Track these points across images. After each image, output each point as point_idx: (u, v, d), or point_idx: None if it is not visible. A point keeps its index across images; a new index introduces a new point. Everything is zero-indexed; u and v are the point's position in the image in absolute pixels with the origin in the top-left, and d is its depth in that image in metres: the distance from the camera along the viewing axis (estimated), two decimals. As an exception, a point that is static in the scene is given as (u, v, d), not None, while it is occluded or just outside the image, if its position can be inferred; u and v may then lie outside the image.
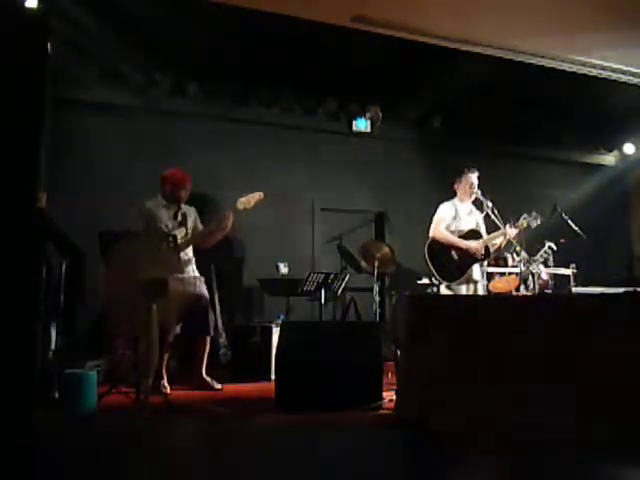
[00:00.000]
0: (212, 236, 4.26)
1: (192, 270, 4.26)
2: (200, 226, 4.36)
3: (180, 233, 4.14)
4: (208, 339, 4.34)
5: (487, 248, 4.46)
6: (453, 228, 4.56)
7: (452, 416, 2.73)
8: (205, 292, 4.31)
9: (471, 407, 2.73)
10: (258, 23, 4.49)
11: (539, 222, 4.49)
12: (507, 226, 4.40)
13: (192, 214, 4.36)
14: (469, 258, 4.44)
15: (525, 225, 4.43)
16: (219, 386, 4.30)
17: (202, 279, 4.34)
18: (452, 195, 4.72)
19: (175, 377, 4.35)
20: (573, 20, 4.06)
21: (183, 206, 4.32)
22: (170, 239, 3.82)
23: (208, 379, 4.31)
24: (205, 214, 4.50)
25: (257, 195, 4.24)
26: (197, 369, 4.32)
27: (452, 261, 4.42)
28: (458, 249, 4.44)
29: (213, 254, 4.48)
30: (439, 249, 4.43)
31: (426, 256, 4.38)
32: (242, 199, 4.20)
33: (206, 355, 4.35)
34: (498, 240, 4.50)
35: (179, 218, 4.21)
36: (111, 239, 4.04)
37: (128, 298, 3.31)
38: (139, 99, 5.47)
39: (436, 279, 4.39)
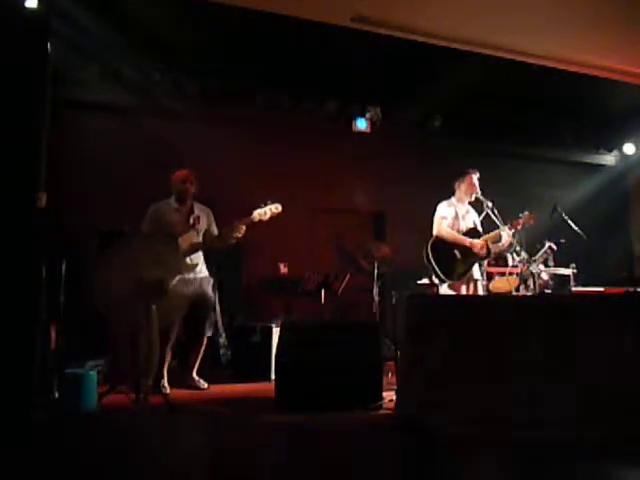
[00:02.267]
0: (222, 242, 4.30)
1: (200, 270, 4.30)
2: (214, 228, 4.40)
3: (192, 236, 4.20)
4: (205, 339, 4.36)
5: (488, 247, 4.46)
6: (454, 227, 4.55)
7: (452, 416, 2.73)
8: (210, 292, 4.35)
9: (471, 407, 2.73)
10: (258, 23, 4.49)
11: (532, 223, 4.49)
12: (507, 227, 4.40)
13: (205, 216, 4.39)
14: (471, 257, 4.44)
15: (522, 222, 4.43)
16: (205, 385, 4.32)
17: (210, 280, 4.38)
18: (451, 195, 4.72)
19: (175, 377, 4.34)
20: (573, 20, 4.06)
21: (197, 207, 4.37)
22: (174, 242, 3.83)
23: (196, 378, 4.34)
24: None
25: (274, 207, 4.29)
26: (190, 368, 4.34)
27: (455, 260, 4.42)
28: (461, 247, 4.43)
29: (213, 254, 4.49)
30: (442, 248, 4.42)
31: (429, 255, 4.36)
32: (259, 210, 4.24)
33: (201, 355, 4.37)
34: (500, 243, 4.49)
35: (191, 221, 4.27)
36: (111, 239, 4.04)
37: (124, 297, 3.31)
38: (139, 99, 5.47)
39: (439, 278, 4.38)
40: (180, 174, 4.33)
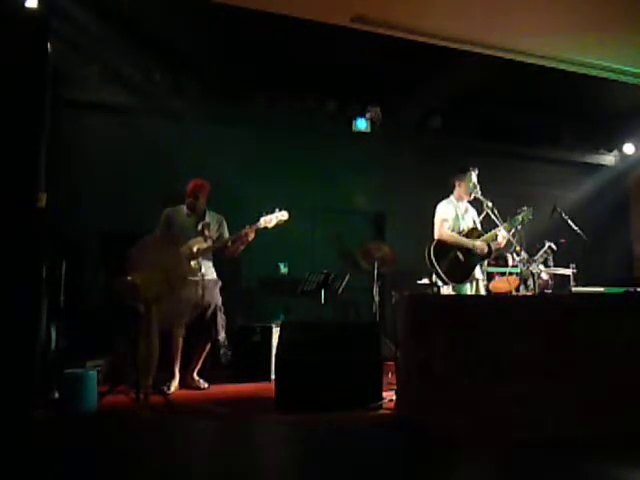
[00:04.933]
0: (230, 248, 4.34)
1: (207, 273, 4.32)
2: (226, 235, 4.44)
3: (198, 241, 4.24)
4: (209, 344, 4.37)
5: (489, 246, 4.45)
6: (454, 227, 4.54)
7: (452, 416, 2.73)
8: (216, 297, 4.36)
9: (471, 407, 2.74)
10: (258, 23, 4.49)
11: (531, 217, 4.47)
12: (505, 225, 4.39)
13: (216, 223, 4.45)
14: (473, 257, 4.42)
15: (520, 220, 4.42)
16: (205, 385, 4.35)
17: (218, 282, 4.41)
18: (449, 194, 4.69)
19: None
20: (573, 20, 4.06)
21: (208, 215, 4.42)
22: (175, 248, 3.86)
23: (197, 378, 4.36)
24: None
25: (280, 215, 4.34)
26: (191, 369, 4.36)
27: (458, 262, 4.40)
28: (463, 249, 4.42)
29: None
30: (445, 250, 4.40)
31: (432, 258, 4.33)
32: (266, 217, 4.30)
33: (203, 357, 4.38)
34: (498, 239, 4.49)
35: (199, 227, 4.30)
36: (111, 239, 4.05)
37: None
38: (139, 99, 5.46)
39: (442, 281, 4.35)
40: (192, 187, 4.40)
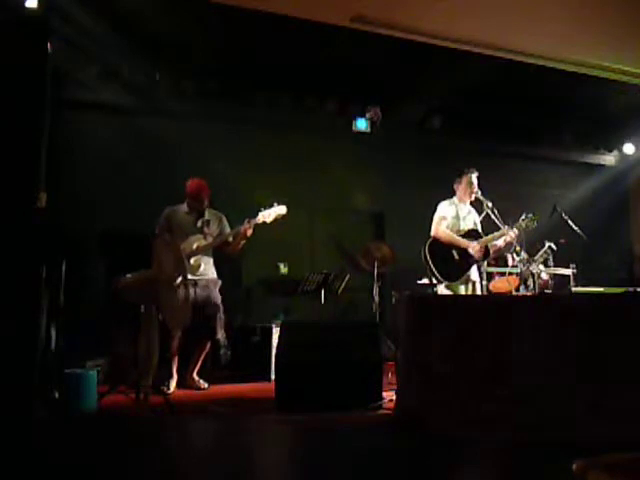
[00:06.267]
0: (232, 244, 4.34)
1: (206, 272, 4.33)
2: (227, 231, 4.44)
3: (198, 239, 4.24)
4: (209, 343, 4.36)
5: (487, 248, 4.45)
6: (453, 227, 4.54)
7: (452, 416, 2.73)
8: (216, 296, 4.36)
9: (471, 407, 2.74)
10: (258, 23, 4.49)
11: (536, 224, 4.47)
12: (506, 227, 4.38)
13: (217, 220, 4.45)
14: (469, 258, 4.43)
15: (524, 226, 4.42)
16: (205, 385, 4.35)
17: (218, 282, 4.40)
18: (452, 195, 4.71)
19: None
20: (573, 20, 4.06)
21: (208, 212, 4.42)
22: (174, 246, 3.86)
23: (196, 378, 4.36)
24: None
25: (279, 209, 4.33)
26: (191, 369, 4.36)
27: (453, 261, 4.40)
28: (459, 249, 4.42)
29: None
30: (440, 248, 4.41)
31: (427, 255, 4.35)
32: (264, 212, 4.30)
33: (203, 357, 4.37)
34: (498, 241, 4.49)
35: (199, 224, 4.32)
36: (111, 239, 4.04)
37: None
38: (139, 99, 5.47)
39: (436, 279, 4.37)
40: (193, 188, 4.38)
